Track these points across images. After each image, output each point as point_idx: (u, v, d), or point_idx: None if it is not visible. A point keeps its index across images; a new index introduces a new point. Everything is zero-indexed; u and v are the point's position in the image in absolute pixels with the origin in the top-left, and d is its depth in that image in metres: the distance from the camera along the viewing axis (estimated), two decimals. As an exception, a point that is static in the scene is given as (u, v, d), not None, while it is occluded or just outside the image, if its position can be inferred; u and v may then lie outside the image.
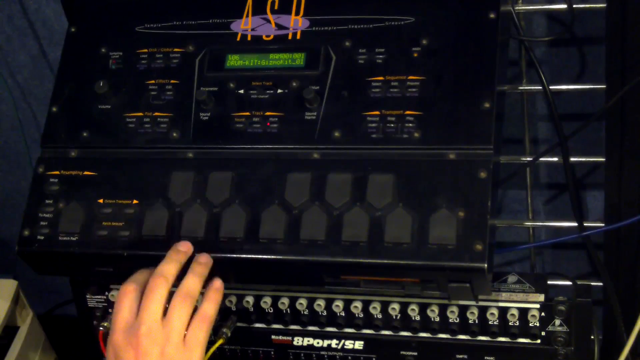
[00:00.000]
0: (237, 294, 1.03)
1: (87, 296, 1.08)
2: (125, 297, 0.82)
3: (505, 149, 0.96)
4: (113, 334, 0.81)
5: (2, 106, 1.42)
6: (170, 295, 0.82)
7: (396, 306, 0.99)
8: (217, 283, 0.85)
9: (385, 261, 0.81)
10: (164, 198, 0.89)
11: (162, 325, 0.80)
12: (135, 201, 0.90)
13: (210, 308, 0.83)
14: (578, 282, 1.00)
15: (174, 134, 0.91)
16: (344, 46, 0.90)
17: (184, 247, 0.85)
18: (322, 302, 1.00)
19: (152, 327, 0.79)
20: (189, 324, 0.81)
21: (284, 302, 1.01)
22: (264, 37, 0.93)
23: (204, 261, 0.85)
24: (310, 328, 1.04)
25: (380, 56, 0.88)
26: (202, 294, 0.85)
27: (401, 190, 0.83)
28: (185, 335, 0.81)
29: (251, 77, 0.92)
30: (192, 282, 0.83)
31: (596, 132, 1.17)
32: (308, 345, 1.05)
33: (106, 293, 1.07)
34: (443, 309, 0.98)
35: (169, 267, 0.83)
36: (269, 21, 0.93)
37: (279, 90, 0.90)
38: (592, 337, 0.98)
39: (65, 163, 0.93)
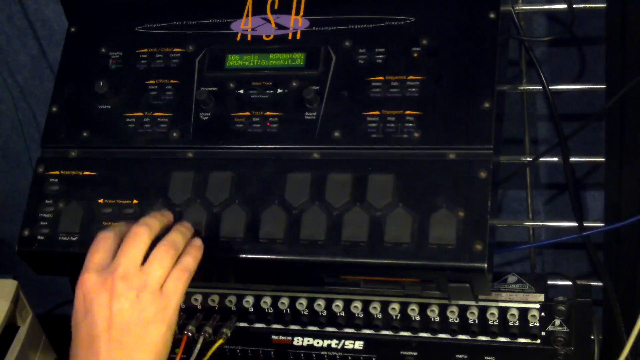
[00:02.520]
0: (237, 294, 1.03)
1: (87, 296, 1.08)
2: (103, 240, 0.79)
3: (505, 149, 0.96)
4: (84, 274, 0.77)
5: (2, 106, 1.42)
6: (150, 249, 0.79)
7: (396, 306, 0.99)
8: (198, 241, 0.83)
9: (385, 261, 0.81)
10: (164, 198, 0.89)
11: (140, 270, 0.76)
12: (135, 201, 0.90)
13: (191, 261, 0.80)
14: (578, 282, 1.00)
15: (174, 134, 0.91)
16: (344, 46, 0.90)
17: (168, 214, 0.84)
18: (322, 302, 1.00)
19: (129, 270, 0.76)
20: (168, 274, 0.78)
21: (284, 302, 1.01)
22: (264, 37, 0.93)
23: (188, 225, 0.84)
24: (310, 328, 1.04)
25: (380, 56, 0.88)
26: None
27: (401, 190, 0.83)
28: (163, 284, 0.77)
29: (251, 77, 0.92)
30: (177, 236, 0.80)
31: (596, 132, 1.17)
32: (308, 345, 1.05)
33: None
34: (443, 309, 0.98)
35: (152, 220, 0.80)
36: (269, 21, 0.93)
37: (279, 90, 0.90)
38: (592, 337, 0.98)
39: (65, 163, 0.93)
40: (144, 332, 0.75)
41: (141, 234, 0.78)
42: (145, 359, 0.75)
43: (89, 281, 0.76)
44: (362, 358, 1.05)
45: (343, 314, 1.01)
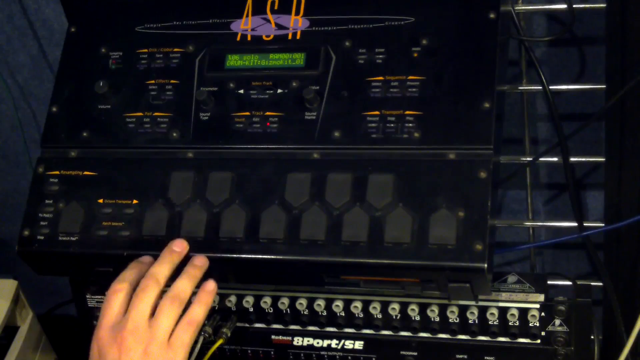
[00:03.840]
0: (237, 294, 1.03)
1: (87, 296, 1.08)
2: (115, 295, 0.82)
3: (505, 149, 0.96)
4: (99, 330, 0.81)
5: (2, 106, 1.42)
6: (161, 296, 0.82)
7: (396, 306, 0.99)
8: (210, 285, 0.85)
9: (385, 261, 0.81)
10: (164, 198, 0.89)
11: (148, 324, 0.80)
12: (135, 201, 0.90)
13: (199, 311, 0.83)
14: (578, 282, 1.00)
15: (174, 134, 0.91)
16: (344, 46, 0.90)
17: (179, 247, 0.85)
18: (322, 302, 1.00)
19: (138, 325, 0.80)
20: (175, 326, 0.81)
21: (284, 302, 1.01)
22: (264, 37, 0.93)
23: (199, 264, 0.85)
24: (310, 328, 1.04)
25: (380, 56, 0.88)
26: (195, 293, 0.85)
27: (401, 190, 0.83)
28: (170, 336, 0.81)
29: (251, 77, 0.92)
30: (184, 284, 0.83)
31: (596, 132, 1.17)
32: (308, 345, 1.05)
33: (106, 293, 1.07)
34: (443, 309, 0.98)
35: (161, 269, 0.83)
36: (268, 21, 0.93)
37: (279, 90, 0.90)
38: (592, 337, 0.98)
39: (65, 163, 0.93)
40: None
41: (149, 288, 0.81)
42: None
43: (103, 337, 0.81)
44: (362, 358, 1.05)
45: (343, 314, 1.01)
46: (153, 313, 0.81)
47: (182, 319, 0.82)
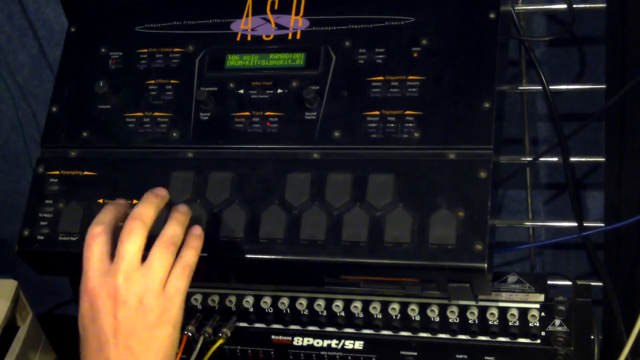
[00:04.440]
0: (237, 294, 1.03)
1: (87, 296, 1.08)
2: (94, 240, 0.77)
3: (505, 149, 0.96)
4: (87, 281, 0.76)
5: (2, 106, 1.43)
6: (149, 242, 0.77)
7: (396, 306, 0.99)
8: (198, 230, 0.81)
9: (385, 261, 0.81)
10: (164, 198, 0.89)
11: (141, 272, 0.75)
12: (135, 201, 0.89)
13: (191, 255, 0.79)
14: (578, 282, 1.00)
15: (174, 134, 0.91)
16: (344, 46, 0.90)
17: (162, 192, 0.81)
18: (322, 302, 1.00)
19: (130, 274, 0.75)
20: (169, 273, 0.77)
21: (284, 302, 1.01)
22: (264, 37, 0.93)
23: (184, 210, 0.82)
24: (310, 328, 1.04)
25: (380, 56, 0.88)
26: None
27: (401, 190, 0.83)
28: (165, 284, 0.77)
29: (251, 77, 0.92)
30: (175, 229, 0.79)
31: (596, 132, 1.17)
32: (308, 345, 1.05)
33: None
34: (443, 309, 0.98)
35: (146, 210, 0.78)
36: (269, 21, 0.93)
37: (279, 90, 0.90)
38: (592, 337, 0.98)
39: (65, 163, 0.93)
40: (150, 335, 0.76)
41: (136, 231, 0.76)
42: None
43: (93, 288, 0.76)
44: (362, 358, 1.05)
45: (343, 314, 1.01)
46: (142, 257, 0.76)
47: (176, 265, 0.77)
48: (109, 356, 0.75)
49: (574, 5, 0.98)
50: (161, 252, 0.77)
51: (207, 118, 0.91)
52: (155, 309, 0.76)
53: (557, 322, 0.97)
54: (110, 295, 0.75)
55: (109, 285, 0.75)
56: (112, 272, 0.75)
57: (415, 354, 1.02)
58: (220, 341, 1.01)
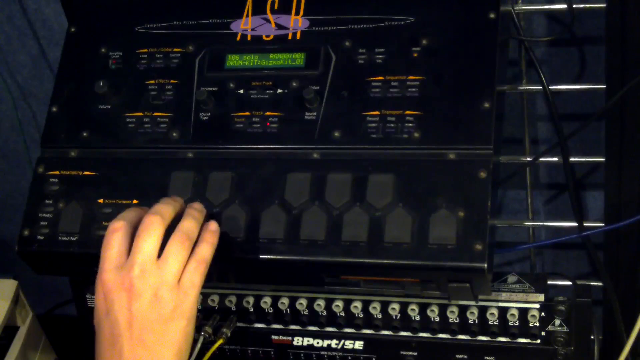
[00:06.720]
0: (237, 294, 1.03)
1: (87, 296, 1.08)
2: (114, 234, 0.77)
3: (505, 149, 0.96)
4: (103, 274, 0.77)
5: (2, 106, 1.42)
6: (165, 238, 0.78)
7: (396, 306, 0.99)
8: (213, 225, 0.82)
9: (385, 261, 0.81)
10: (164, 198, 0.89)
11: (156, 266, 0.76)
12: (135, 201, 0.90)
13: (206, 250, 0.79)
14: (578, 282, 1.00)
15: (174, 134, 0.91)
16: (344, 46, 0.90)
17: (179, 199, 0.83)
18: (322, 302, 1.00)
19: (145, 268, 0.75)
20: (184, 267, 0.78)
21: (284, 302, 1.01)
22: (264, 37, 0.93)
23: (199, 207, 0.83)
24: (310, 328, 1.04)
25: (380, 56, 0.88)
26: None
27: (401, 190, 0.83)
28: (180, 278, 0.77)
29: (251, 77, 0.92)
30: (190, 224, 0.79)
31: (596, 132, 1.17)
32: (308, 345, 1.05)
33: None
34: (443, 309, 0.98)
35: (165, 207, 0.79)
36: (268, 21, 0.93)
37: (279, 90, 0.90)
38: (592, 337, 0.98)
39: (65, 163, 0.93)
40: (164, 329, 0.76)
41: (154, 225, 0.77)
42: (167, 355, 0.76)
43: (108, 281, 0.76)
44: (362, 358, 1.05)
45: (343, 314, 1.01)
46: (158, 253, 0.77)
47: (191, 259, 0.78)
48: (122, 349, 0.75)
49: (574, 5, 0.98)
50: (176, 247, 0.77)
51: (207, 118, 0.91)
52: (169, 303, 0.76)
53: (557, 322, 0.97)
54: (125, 287, 0.75)
55: (124, 278, 0.76)
56: (128, 265, 0.76)
57: (415, 354, 1.02)
58: (220, 341, 1.01)
